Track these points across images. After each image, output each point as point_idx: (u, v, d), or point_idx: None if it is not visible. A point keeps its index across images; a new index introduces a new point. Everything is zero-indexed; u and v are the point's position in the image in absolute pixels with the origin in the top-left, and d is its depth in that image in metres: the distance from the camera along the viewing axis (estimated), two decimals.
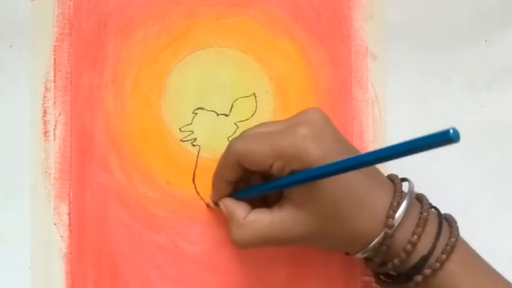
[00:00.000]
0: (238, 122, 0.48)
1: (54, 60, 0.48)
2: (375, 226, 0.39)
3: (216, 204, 0.45)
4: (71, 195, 0.47)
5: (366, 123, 0.49)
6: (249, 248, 0.41)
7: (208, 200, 0.46)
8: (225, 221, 0.47)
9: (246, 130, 0.43)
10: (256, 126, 0.43)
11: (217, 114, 0.48)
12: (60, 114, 0.47)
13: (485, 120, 0.50)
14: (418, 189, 0.49)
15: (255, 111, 0.48)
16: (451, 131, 0.29)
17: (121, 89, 0.48)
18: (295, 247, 0.47)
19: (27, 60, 0.47)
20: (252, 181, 0.44)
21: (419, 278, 0.39)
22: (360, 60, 0.49)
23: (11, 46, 0.47)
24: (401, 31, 0.50)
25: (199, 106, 0.48)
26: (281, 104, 0.49)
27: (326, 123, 0.40)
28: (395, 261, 0.40)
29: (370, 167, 0.41)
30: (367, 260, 0.42)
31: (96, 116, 0.48)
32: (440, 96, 0.50)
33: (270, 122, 0.43)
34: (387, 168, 0.49)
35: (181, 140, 0.48)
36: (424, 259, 0.39)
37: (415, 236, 0.39)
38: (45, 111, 0.47)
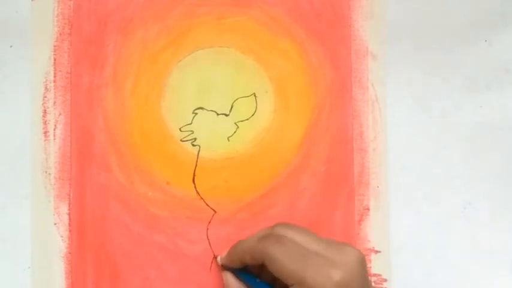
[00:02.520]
0: (238, 122, 0.48)
1: (54, 60, 0.48)
2: None
3: (222, 265, 0.46)
4: (71, 195, 0.47)
5: (365, 123, 0.49)
6: None
7: (218, 256, 0.46)
8: (225, 221, 0.47)
9: (287, 229, 0.41)
10: (297, 229, 0.41)
11: (217, 114, 0.48)
12: (60, 114, 0.47)
13: (485, 120, 0.50)
14: (418, 189, 0.49)
15: (255, 111, 0.48)
16: None
17: (121, 89, 0.48)
18: None
19: (27, 60, 0.47)
20: (263, 272, 0.43)
21: None
22: (360, 60, 0.49)
23: (11, 46, 0.47)
24: (401, 31, 0.50)
25: (199, 106, 0.48)
26: (281, 104, 0.49)
27: (362, 273, 0.39)
28: None
29: None
30: None
31: (96, 116, 0.48)
32: (440, 96, 0.50)
33: (310, 234, 0.41)
34: (387, 167, 0.49)
35: (181, 140, 0.48)
36: None
37: None
38: (45, 111, 0.47)
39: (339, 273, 0.38)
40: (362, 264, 0.39)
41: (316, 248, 0.40)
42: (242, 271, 0.44)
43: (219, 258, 0.46)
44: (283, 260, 0.39)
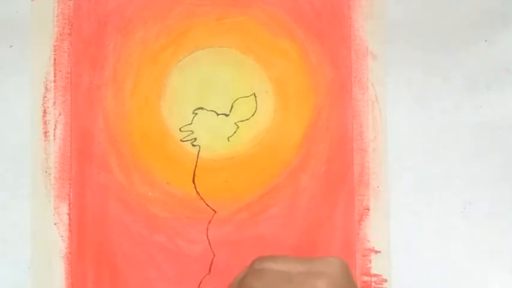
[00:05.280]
0: (238, 122, 0.48)
1: (54, 60, 0.48)
2: None
3: None
4: (71, 195, 0.47)
5: (366, 123, 0.49)
6: None
7: None
8: (225, 221, 0.47)
9: (264, 260, 0.41)
10: (274, 259, 0.41)
11: (217, 114, 0.48)
12: (60, 114, 0.47)
13: (485, 120, 0.50)
14: (418, 189, 0.49)
15: (255, 111, 0.48)
16: None
17: (121, 89, 0.48)
18: (297, 247, 0.47)
19: (27, 60, 0.47)
20: None
21: None
22: (360, 60, 0.49)
23: (11, 46, 0.47)
24: (401, 31, 0.50)
25: (199, 106, 0.48)
26: (281, 104, 0.49)
27: (347, 279, 0.39)
28: None
29: None
30: None
31: (96, 116, 0.48)
32: (440, 96, 0.50)
33: (289, 258, 0.41)
34: (387, 167, 0.49)
35: (181, 140, 0.48)
36: None
37: None
38: (45, 111, 0.47)
39: (323, 282, 0.38)
40: (346, 270, 0.39)
41: (299, 268, 0.40)
42: None
43: None
44: None
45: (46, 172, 0.47)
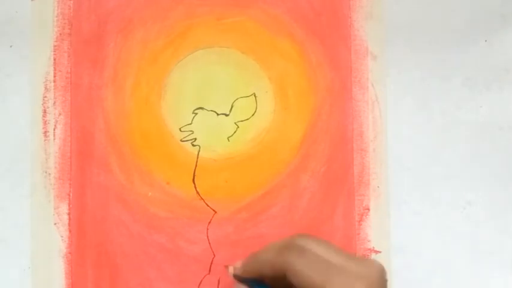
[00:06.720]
0: (238, 122, 0.48)
1: (54, 60, 0.48)
2: None
3: (235, 276, 0.43)
4: (71, 195, 0.47)
5: (366, 123, 0.49)
6: None
7: (230, 266, 0.44)
8: (225, 221, 0.47)
9: (308, 240, 0.40)
10: (318, 242, 0.40)
11: (217, 114, 0.48)
12: (60, 114, 0.47)
13: (485, 120, 0.50)
14: (418, 190, 0.49)
15: (255, 111, 0.49)
16: None
17: (121, 89, 0.48)
18: None
19: (27, 60, 0.47)
20: (278, 283, 0.41)
21: None
22: (360, 60, 0.49)
23: (11, 46, 0.47)
24: (401, 31, 0.50)
25: (199, 106, 0.48)
26: (281, 104, 0.49)
27: (383, 285, 0.39)
28: None
29: None
30: None
31: (96, 116, 0.48)
32: (440, 96, 0.50)
33: (331, 246, 0.40)
34: (387, 167, 0.49)
35: (181, 140, 0.48)
36: None
37: None
38: (45, 111, 0.47)
39: (362, 285, 0.38)
40: (383, 276, 0.39)
41: (338, 260, 0.39)
42: (257, 283, 0.42)
43: (231, 269, 0.44)
44: (307, 272, 0.38)
45: (46, 172, 0.47)
